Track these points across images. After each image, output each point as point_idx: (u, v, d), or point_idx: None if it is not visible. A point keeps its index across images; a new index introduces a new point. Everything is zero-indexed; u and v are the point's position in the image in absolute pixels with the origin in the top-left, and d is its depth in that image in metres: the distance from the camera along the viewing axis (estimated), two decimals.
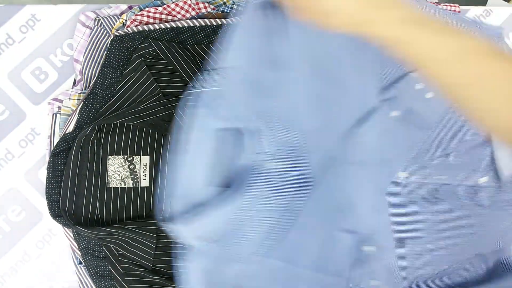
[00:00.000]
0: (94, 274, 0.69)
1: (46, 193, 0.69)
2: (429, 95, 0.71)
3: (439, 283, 0.72)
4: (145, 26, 0.73)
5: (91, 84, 0.72)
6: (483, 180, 0.73)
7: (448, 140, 0.74)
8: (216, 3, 0.78)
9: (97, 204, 0.70)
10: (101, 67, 0.71)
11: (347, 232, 0.69)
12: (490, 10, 0.83)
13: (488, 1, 0.84)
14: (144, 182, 0.73)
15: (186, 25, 0.74)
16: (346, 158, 0.70)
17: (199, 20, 0.75)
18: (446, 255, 0.71)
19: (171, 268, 0.70)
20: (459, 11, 0.79)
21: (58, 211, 0.68)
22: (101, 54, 0.76)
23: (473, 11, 0.81)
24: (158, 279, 0.69)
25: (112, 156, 0.72)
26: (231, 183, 0.59)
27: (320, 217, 0.68)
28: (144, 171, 0.74)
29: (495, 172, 0.74)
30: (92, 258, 0.69)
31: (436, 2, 0.80)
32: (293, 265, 0.66)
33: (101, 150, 0.72)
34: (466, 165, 0.73)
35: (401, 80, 0.71)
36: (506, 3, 0.84)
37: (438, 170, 0.73)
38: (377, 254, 0.70)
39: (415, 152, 0.73)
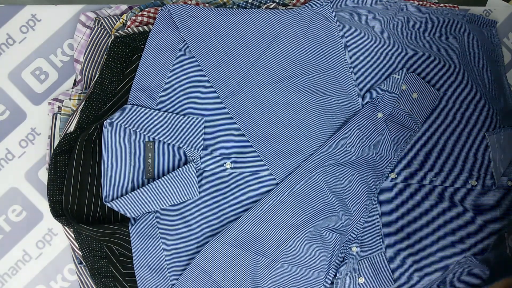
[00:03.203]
0: (95, 273, 0.69)
1: (47, 192, 0.69)
2: (414, 95, 0.72)
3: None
4: (145, 27, 0.73)
5: (92, 84, 0.72)
6: (474, 183, 0.74)
7: (436, 141, 0.74)
8: (216, 3, 0.78)
9: (99, 203, 0.70)
10: (102, 68, 0.71)
11: (336, 232, 0.69)
12: (490, 10, 0.83)
13: (488, 1, 0.84)
14: None
15: None
16: (336, 160, 0.70)
17: None
18: (437, 257, 0.72)
19: None
20: None
21: (60, 211, 0.69)
22: (101, 54, 0.76)
23: (473, 11, 0.81)
24: None
25: None
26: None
27: (308, 216, 0.69)
28: None
29: (487, 175, 0.74)
30: (93, 257, 0.69)
31: (436, 2, 0.80)
32: (268, 258, 0.68)
33: None
34: (458, 167, 0.74)
35: (385, 81, 0.72)
36: (506, 3, 0.84)
37: (428, 171, 0.73)
38: (364, 253, 0.71)
39: (404, 153, 0.73)
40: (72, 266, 0.76)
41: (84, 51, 0.77)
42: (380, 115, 0.72)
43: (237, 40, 0.71)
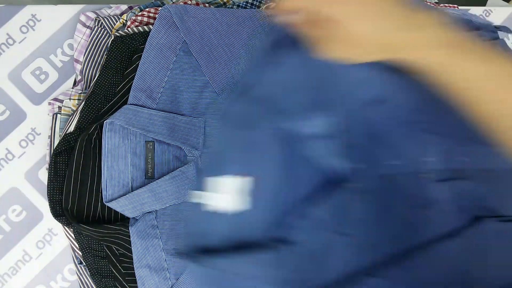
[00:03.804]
0: (95, 273, 0.69)
1: (47, 192, 0.69)
2: None
3: None
4: (145, 27, 0.73)
5: (92, 84, 0.72)
6: None
7: None
8: (216, 3, 0.78)
9: (99, 204, 0.70)
10: (102, 68, 0.71)
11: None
12: (490, 10, 0.83)
13: (488, 1, 0.84)
14: None
15: None
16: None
17: None
18: None
19: None
20: None
21: (60, 211, 0.69)
22: (101, 54, 0.76)
23: (473, 11, 0.81)
24: None
25: None
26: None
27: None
28: None
29: None
30: (93, 257, 0.69)
31: (436, 2, 0.80)
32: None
33: None
34: None
35: None
36: (506, 3, 0.84)
37: None
38: None
39: None
40: (72, 266, 0.76)
41: (84, 51, 0.77)
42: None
43: (237, 40, 0.71)
